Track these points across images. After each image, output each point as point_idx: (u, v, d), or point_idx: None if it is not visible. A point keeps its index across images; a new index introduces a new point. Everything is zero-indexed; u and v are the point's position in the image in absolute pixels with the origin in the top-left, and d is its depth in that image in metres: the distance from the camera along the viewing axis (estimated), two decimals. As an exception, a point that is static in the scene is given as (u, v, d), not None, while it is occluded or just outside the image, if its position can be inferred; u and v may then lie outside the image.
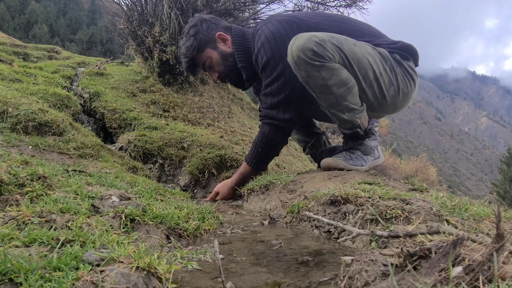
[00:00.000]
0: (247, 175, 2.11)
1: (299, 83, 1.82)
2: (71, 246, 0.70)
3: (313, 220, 1.23)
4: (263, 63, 1.90)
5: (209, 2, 4.17)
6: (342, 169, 1.89)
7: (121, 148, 2.77)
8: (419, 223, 0.92)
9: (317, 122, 2.54)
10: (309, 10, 4.53)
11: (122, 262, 0.65)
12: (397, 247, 0.70)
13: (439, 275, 0.52)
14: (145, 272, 0.64)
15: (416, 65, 2.02)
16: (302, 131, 2.39)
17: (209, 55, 2.04)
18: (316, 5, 4.58)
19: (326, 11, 4.44)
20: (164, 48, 3.88)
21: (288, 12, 4.42)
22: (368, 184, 1.43)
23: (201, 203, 1.65)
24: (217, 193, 2.17)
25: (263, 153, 2.05)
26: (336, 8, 4.51)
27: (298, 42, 1.72)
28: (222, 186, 2.17)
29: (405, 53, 1.95)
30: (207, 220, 1.31)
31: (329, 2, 4.64)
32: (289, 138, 2.27)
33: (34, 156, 1.80)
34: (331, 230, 1.15)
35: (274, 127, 1.98)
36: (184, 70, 2.26)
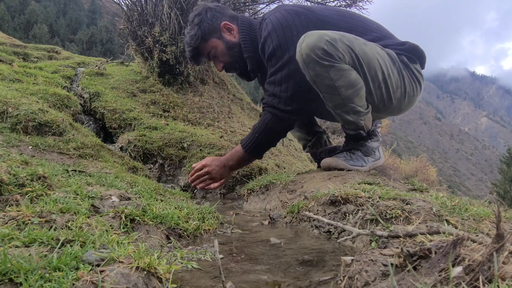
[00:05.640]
0: (241, 159, 2.03)
1: (305, 77, 1.78)
2: (71, 246, 0.70)
3: (313, 220, 1.23)
4: (270, 52, 1.85)
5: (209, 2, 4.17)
6: (342, 169, 1.89)
7: (121, 148, 2.77)
8: (419, 223, 0.92)
9: (318, 120, 2.52)
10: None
11: (122, 262, 0.65)
12: (397, 247, 0.69)
13: (439, 275, 0.52)
14: (145, 272, 0.64)
15: (423, 67, 1.97)
16: (303, 129, 2.36)
17: (214, 45, 2.00)
18: (316, 5, 4.58)
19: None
20: (164, 48, 3.88)
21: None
22: (368, 184, 1.43)
23: (201, 204, 1.65)
24: (204, 166, 2.03)
25: (260, 140, 1.97)
26: (336, 8, 4.52)
27: (308, 40, 1.67)
28: (213, 160, 2.03)
29: (412, 55, 1.92)
30: (207, 220, 1.31)
31: (329, 2, 4.65)
32: (290, 135, 2.21)
33: (34, 156, 1.80)
34: (331, 230, 1.15)
35: (275, 117, 1.92)
36: (188, 59, 2.19)
